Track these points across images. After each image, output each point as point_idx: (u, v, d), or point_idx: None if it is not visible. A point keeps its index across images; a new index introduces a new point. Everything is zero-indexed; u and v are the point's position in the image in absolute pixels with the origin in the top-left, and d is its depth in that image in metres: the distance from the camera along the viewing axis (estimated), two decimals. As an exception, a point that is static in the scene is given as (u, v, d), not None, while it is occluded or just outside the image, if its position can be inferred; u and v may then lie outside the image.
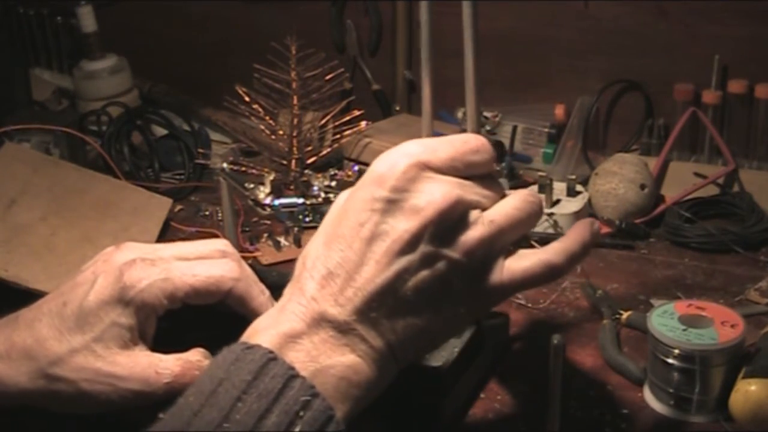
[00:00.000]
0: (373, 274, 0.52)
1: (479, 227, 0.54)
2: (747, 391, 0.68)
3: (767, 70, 1.13)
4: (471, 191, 0.55)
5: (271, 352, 0.51)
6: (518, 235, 0.56)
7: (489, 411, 0.74)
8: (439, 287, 0.54)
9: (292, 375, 0.50)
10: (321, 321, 0.53)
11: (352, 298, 0.53)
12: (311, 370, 0.51)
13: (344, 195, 0.56)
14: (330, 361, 0.52)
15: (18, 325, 0.66)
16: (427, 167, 0.54)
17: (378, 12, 1.37)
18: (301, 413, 0.49)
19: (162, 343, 0.69)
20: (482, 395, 0.76)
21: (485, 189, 0.56)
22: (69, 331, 0.65)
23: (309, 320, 0.53)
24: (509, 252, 0.56)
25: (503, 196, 0.57)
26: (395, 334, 0.53)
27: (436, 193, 0.53)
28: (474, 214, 0.55)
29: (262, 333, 0.54)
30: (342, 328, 0.52)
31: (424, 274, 0.53)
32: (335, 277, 0.53)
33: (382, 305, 0.53)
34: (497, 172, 0.58)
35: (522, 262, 0.57)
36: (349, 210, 0.54)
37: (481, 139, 0.57)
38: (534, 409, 0.74)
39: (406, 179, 0.53)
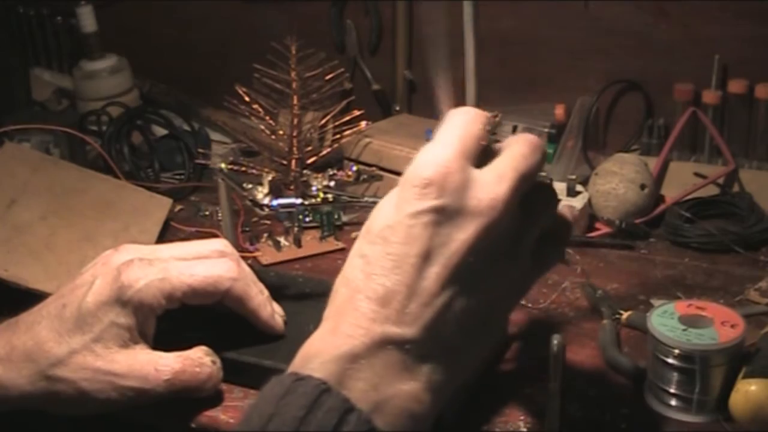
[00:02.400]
0: (437, 289, 0.48)
1: (534, 226, 0.53)
2: (747, 391, 0.68)
3: (767, 70, 1.13)
4: (516, 174, 0.52)
5: (324, 382, 0.46)
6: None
7: (489, 411, 0.74)
8: (501, 290, 0.52)
9: (347, 408, 0.46)
10: (383, 343, 0.48)
11: (419, 315, 0.48)
12: (372, 401, 0.47)
13: (383, 209, 0.52)
14: (392, 390, 0.48)
15: (18, 328, 0.67)
16: (466, 158, 0.51)
17: (378, 12, 1.37)
18: None
19: (162, 344, 0.69)
20: (482, 395, 0.76)
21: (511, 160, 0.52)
22: (68, 332, 0.65)
23: (369, 343, 0.48)
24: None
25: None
26: (458, 351, 0.50)
27: (487, 192, 0.50)
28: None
29: (314, 359, 0.48)
30: (408, 349, 0.48)
31: (489, 281, 0.50)
32: (396, 295, 0.48)
33: (449, 319, 0.49)
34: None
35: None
36: (397, 226, 0.50)
37: (467, 107, 0.54)
38: (534, 409, 0.74)
39: (452, 181, 0.49)
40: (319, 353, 0.48)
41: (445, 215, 0.49)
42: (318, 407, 0.45)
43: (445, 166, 0.50)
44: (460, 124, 0.52)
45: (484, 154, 0.53)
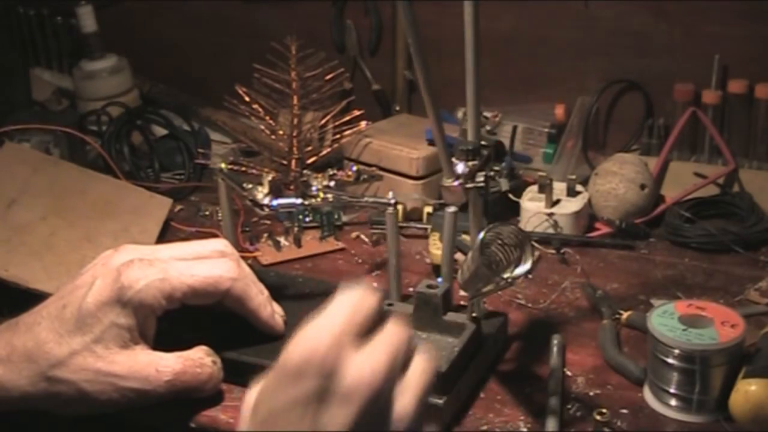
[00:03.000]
0: None
1: (408, 398, 0.50)
2: (747, 391, 0.68)
3: (767, 70, 1.13)
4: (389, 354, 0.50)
5: None
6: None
7: (489, 411, 0.74)
8: None
9: None
10: None
11: None
12: None
13: (264, 391, 0.50)
14: None
15: (18, 329, 0.67)
16: (344, 342, 0.49)
17: (378, 12, 1.37)
18: None
19: (162, 344, 0.69)
20: (482, 395, 0.76)
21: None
22: (69, 333, 0.65)
23: None
24: None
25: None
26: None
27: (365, 370, 0.48)
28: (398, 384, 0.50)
29: None
30: None
31: None
32: None
33: None
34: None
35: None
36: (278, 415, 0.48)
37: (359, 290, 0.52)
38: (534, 409, 0.74)
39: (327, 364, 0.48)
40: None
41: (321, 400, 0.48)
42: None
43: (324, 345, 0.48)
44: (346, 304, 0.51)
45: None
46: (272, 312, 0.74)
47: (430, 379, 0.52)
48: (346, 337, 0.49)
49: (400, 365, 0.51)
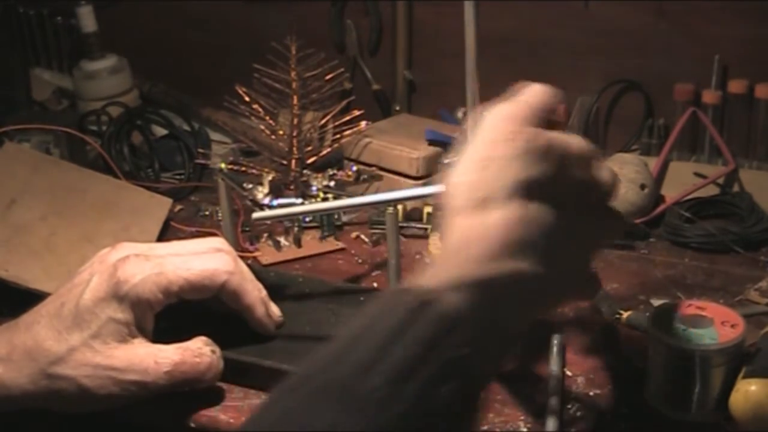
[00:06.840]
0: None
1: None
2: (747, 391, 0.68)
3: (767, 70, 1.13)
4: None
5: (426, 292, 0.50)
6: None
7: (489, 411, 0.74)
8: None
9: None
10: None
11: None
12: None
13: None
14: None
15: (18, 328, 0.67)
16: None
17: (378, 12, 1.37)
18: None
19: (162, 343, 0.69)
20: (482, 395, 0.76)
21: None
22: (67, 330, 0.65)
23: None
24: None
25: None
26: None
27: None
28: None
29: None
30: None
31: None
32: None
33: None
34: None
35: None
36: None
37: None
38: (534, 409, 0.74)
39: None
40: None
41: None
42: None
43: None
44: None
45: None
46: (266, 311, 0.74)
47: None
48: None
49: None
